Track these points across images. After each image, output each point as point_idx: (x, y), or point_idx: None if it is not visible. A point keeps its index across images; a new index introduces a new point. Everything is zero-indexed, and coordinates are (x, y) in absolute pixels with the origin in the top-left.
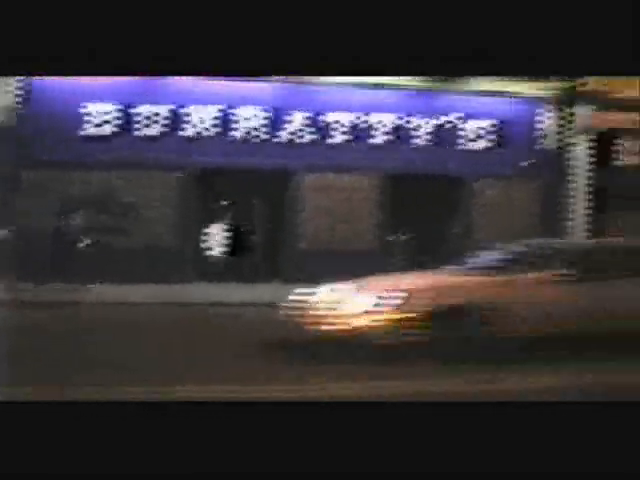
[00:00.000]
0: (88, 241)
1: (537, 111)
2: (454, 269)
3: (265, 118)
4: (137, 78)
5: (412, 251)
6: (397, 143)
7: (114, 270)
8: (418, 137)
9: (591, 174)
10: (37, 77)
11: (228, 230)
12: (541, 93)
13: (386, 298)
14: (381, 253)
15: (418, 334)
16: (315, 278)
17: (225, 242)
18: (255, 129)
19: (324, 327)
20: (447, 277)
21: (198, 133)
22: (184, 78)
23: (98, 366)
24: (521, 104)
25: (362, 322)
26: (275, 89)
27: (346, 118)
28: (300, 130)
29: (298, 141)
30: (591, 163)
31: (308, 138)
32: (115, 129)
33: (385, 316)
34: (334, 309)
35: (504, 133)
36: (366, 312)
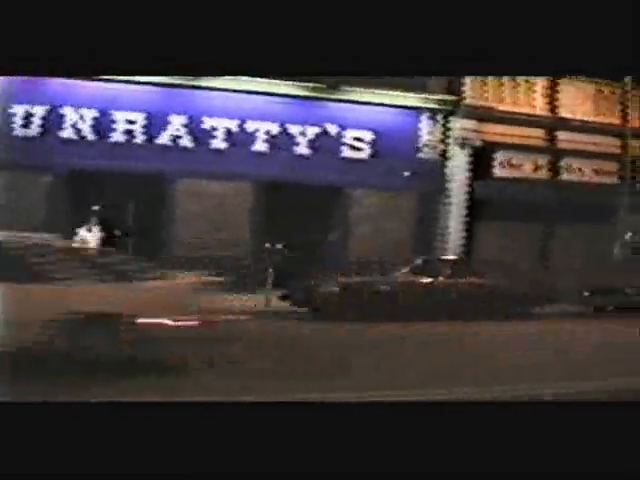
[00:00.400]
0: None
1: (417, 122)
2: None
3: (143, 121)
4: (14, 78)
5: (284, 260)
6: (276, 151)
7: None
8: (297, 145)
9: (468, 186)
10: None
11: (99, 234)
12: (421, 104)
13: None
14: (254, 261)
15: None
16: None
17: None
18: (132, 132)
19: None
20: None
21: (75, 135)
22: (62, 79)
23: None
24: (401, 115)
25: None
26: (154, 92)
27: (225, 124)
28: (178, 134)
29: (175, 145)
30: (469, 175)
31: (186, 143)
32: None
33: None
34: None
35: (383, 143)
36: None
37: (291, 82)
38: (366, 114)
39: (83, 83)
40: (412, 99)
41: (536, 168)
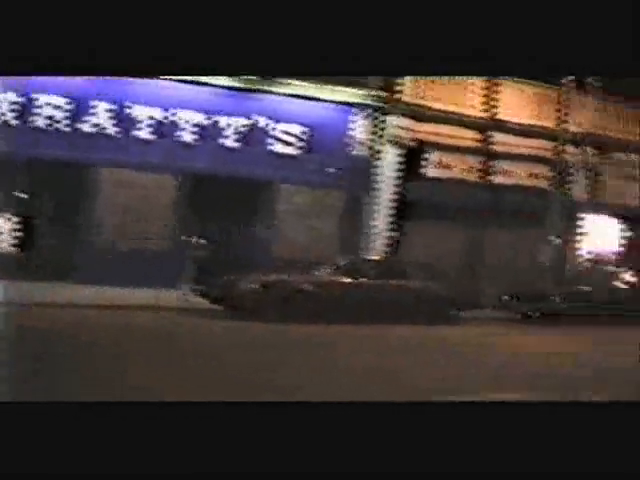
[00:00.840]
0: None
1: (350, 118)
2: None
3: (67, 108)
4: None
5: (205, 255)
6: (203, 142)
7: None
8: (225, 137)
9: (398, 185)
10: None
11: (18, 223)
12: (356, 100)
13: None
14: (176, 255)
15: None
16: (104, 278)
17: (13, 236)
18: (56, 119)
19: None
20: None
21: None
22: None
23: None
24: (335, 110)
25: None
26: (79, 79)
27: (152, 113)
28: (103, 123)
29: (100, 134)
30: (399, 175)
31: (111, 131)
32: None
33: None
34: None
35: (315, 139)
36: None
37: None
38: (298, 108)
39: None
40: (346, 94)
41: (468, 170)
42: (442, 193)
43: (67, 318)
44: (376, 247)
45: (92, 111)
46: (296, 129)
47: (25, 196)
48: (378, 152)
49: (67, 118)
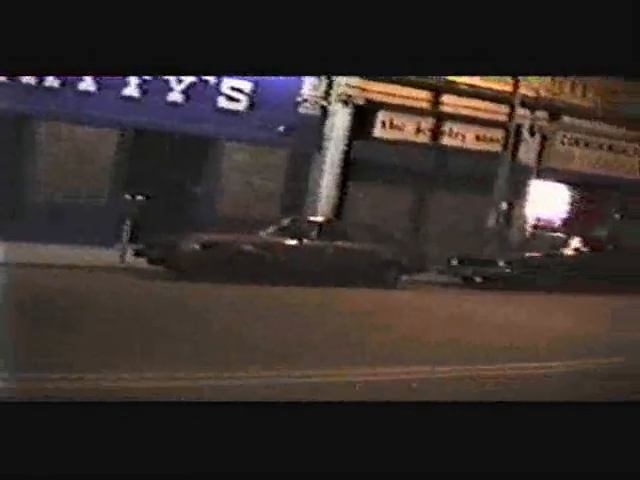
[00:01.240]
0: None
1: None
2: None
3: None
4: None
5: (145, 213)
6: (147, 97)
7: None
8: (170, 91)
9: (346, 146)
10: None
11: None
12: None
13: None
14: (113, 213)
15: None
16: (39, 235)
17: None
18: None
19: None
20: None
21: None
22: None
23: None
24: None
25: None
26: None
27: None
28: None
29: (40, 85)
30: (348, 134)
31: (51, 83)
32: None
33: None
34: None
35: (262, 95)
36: None
37: None
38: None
39: None
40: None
41: (418, 131)
42: (390, 154)
43: None
44: (321, 208)
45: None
46: (244, 85)
47: None
48: (327, 111)
49: None
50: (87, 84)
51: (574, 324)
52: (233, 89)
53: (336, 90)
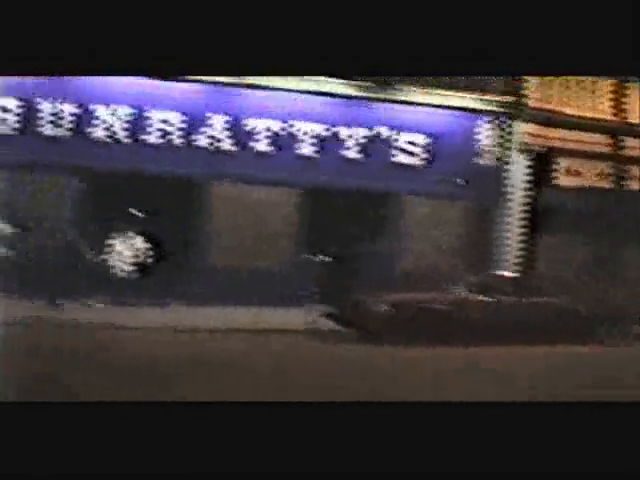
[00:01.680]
0: None
1: (475, 126)
2: None
3: (182, 122)
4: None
5: (327, 273)
6: (323, 155)
7: None
8: (346, 149)
9: (528, 194)
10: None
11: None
12: (479, 107)
13: None
14: (295, 274)
15: None
16: (223, 299)
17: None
18: (170, 133)
19: None
20: None
21: (106, 135)
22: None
23: None
24: (458, 117)
25: None
26: (192, 91)
27: (269, 125)
28: (219, 136)
29: (215, 148)
30: (529, 182)
31: (227, 145)
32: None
33: None
34: None
35: (438, 148)
36: None
37: (338, 80)
38: (420, 116)
39: (117, 79)
40: (470, 100)
41: (599, 176)
42: (574, 201)
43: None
44: (509, 261)
45: (207, 125)
46: (419, 139)
47: (141, 214)
48: (506, 160)
49: (182, 132)
50: (258, 147)
51: None
52: (409, 143)
53: (513, 139)
